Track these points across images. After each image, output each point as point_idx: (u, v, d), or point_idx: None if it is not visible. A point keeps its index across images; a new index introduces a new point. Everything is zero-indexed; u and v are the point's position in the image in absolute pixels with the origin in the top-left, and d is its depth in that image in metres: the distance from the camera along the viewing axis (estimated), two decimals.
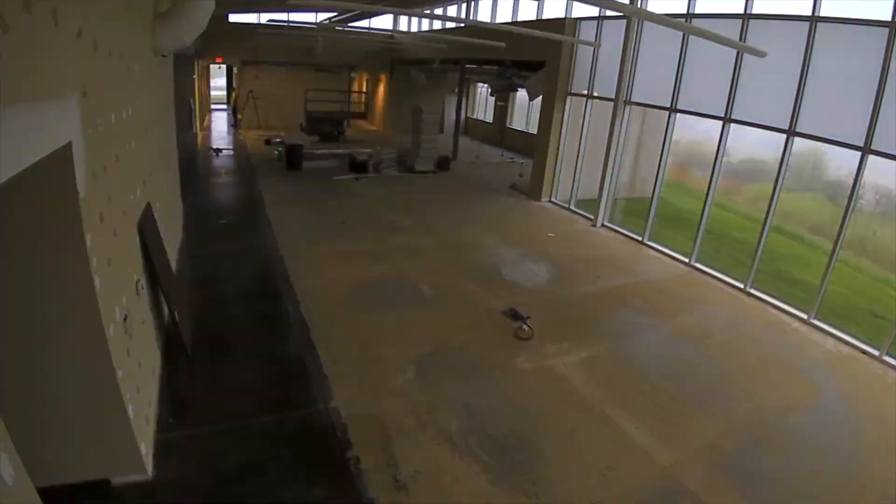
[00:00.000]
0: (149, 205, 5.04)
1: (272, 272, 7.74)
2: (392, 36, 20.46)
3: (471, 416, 4.88)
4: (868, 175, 7.03)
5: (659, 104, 10.06)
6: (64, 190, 2.68)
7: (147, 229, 4.71)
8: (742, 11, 8.36)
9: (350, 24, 19.41)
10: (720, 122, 8.88)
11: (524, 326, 6.55)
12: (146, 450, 3.78)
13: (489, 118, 25.14)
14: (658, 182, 10.23)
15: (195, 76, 16.88)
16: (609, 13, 11.04)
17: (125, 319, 3.62)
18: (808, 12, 7.44)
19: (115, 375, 3.18)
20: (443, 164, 16.20)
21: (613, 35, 10.92)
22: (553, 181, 13.24)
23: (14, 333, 2.88)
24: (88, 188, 2.90)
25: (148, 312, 4.68)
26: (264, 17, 20.61)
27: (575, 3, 12.02)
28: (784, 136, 7.86)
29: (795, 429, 5.12)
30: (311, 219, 10.49)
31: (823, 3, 7.30)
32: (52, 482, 3.24)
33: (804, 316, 7.52)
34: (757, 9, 8.26)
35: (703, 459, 4.57)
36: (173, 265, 6.63)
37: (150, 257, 4.70)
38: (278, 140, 17.50)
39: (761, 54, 7.19)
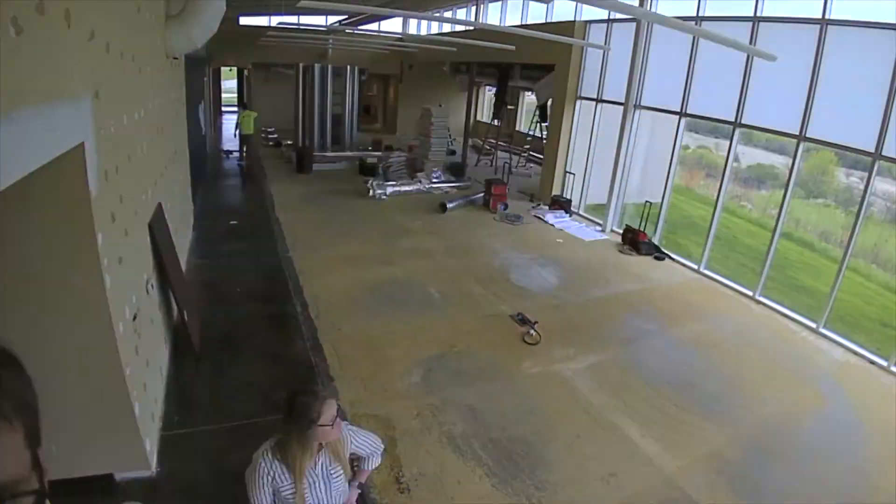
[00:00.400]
0: (160, 205, 5.09)
1: (281, 273, 7.78)
2: (402, 39, 20.53)
3: (476, 419, 4.89)
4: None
5: (669, 108, 10.03)
6: (76, 189, 2.72)
7: (157, 229, 4.75)
8: (752, 14, 8.33)
9: (360, 27, 19.51)
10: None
11: (531, 331, 6.54)
12: (151, 446, 3.82)
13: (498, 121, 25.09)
14: (667, 188, 10.19)
15: (206, 78, 17.01)
16: (618, 16, 11.03)
17: (134, 318, 3.66)
18: (819, 15, 7.39)
19: (123, 373, 3.22)
20: (456, 169, 15.86)
21: (623, 38, 10.91)
22: (563, 186, 13.21)
23: (24, 329, 2.93)
24: (100, 188, 2.93)
25: (157, 311, 4.73)
26: (275, 20, 20.75)
27: (584, 5, 12.02)
28: (794, 141, 7.82)
29: (801, 438, 5.09)
30: (320, 220, 10.53)
31: (834, 6, 7.25)
32: (56, 476, 3.26)
33: (813, 325, 7.45)
34: (767, 12, 8.22)
35: (707, 468, 4.54)
36: (183, 265, 6.69)
37: (160, 257, 4.75)
38: (289, 142, 17.59)
39: (771, 58, 7.14)
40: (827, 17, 7.31)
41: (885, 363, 6.58)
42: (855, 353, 6.89)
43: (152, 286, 4.48)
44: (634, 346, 6.60)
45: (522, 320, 6.81)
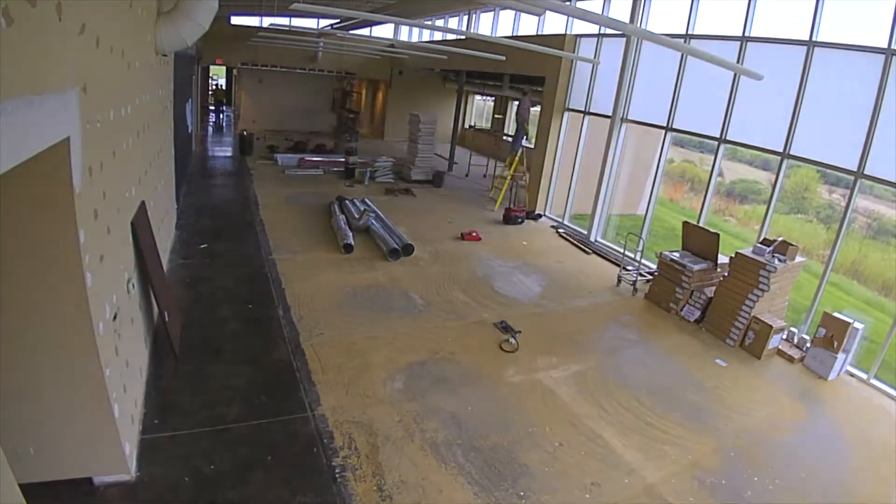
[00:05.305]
0: (143, 203, 5.02)
1: (264, 275, 7.70)
2: (392, 45, 20.55)
3: (458, 427, 4.87)
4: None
5: (655, 123, 10.15)
6: (59, 185, 2.67)
7: (140, 228, 4.69)
8: (740, 34, 8.48)
9: (351, 31, 19.53)
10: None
11: (510, 339, 6.54)
12: (130, 450, 3.74)
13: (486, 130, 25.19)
14: (651, 200, 10.29)
15: (194, 76, 16.86)
16: (609, 31, 11.16)
17: (114, 317, 3.60)
18: (806, 36, 7.54)
19: (103, 374, 3.16)
20: (436, 179, 15.54)
21: (612, 53, 11.03)
22: (548, 195, 13.29)
23: (1, 328, 2.86)
24: (84, 184, 2.88)
25: (137, 311, 4.65)
26: (266, 21, 20.63)
27: (575, 20, 12.13)
28: (778, 157, 7.96)
29: (781, 450, 5.14)
30: (304, 223, 10.46)
31: (821, 29, 7.41)
32: (35, 478, 3.20)
33: None
34: (755, 32, 8.37)
35: (688, 477, 4.57)
36: (165, 264, 6.60)
37: (142, 256, 4.67)
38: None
39: (758, 77, 7.26)
40: (814, 39, 7.46)
41: (864, 376, 6.69)
42: None
43: (133, 286, 4.41)
44: (616, 355, 6.64)
45: (506, 328, 6.81)
